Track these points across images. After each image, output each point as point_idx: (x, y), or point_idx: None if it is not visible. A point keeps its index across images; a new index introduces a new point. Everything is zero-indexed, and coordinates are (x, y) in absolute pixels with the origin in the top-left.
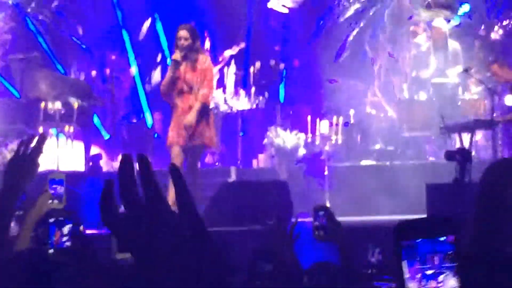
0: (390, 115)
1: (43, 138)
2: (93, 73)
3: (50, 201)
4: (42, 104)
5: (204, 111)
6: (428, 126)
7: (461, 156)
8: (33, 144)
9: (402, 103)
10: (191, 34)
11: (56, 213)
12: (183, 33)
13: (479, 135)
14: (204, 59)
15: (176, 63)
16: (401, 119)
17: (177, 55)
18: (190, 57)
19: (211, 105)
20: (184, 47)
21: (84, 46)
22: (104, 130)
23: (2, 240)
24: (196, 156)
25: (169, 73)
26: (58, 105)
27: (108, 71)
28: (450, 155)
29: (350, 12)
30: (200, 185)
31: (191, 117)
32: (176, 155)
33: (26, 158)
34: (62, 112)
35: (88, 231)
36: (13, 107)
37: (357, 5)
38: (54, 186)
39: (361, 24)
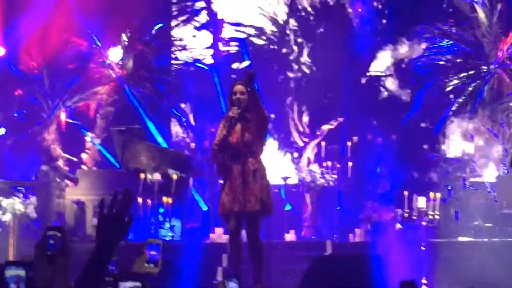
0: (489, 191)
1: (130, 195)
2: (192, 145)
3: (146, 264)
4: (142, 175)
5: (262, 174)
6: None
7: None
8: (122, 201)
9: (501, 179)
10: (248, 89)
11: None
12: (239, 87)
13: None
14: (263, 118)
15: (232, 121)
16: (500, 196)
17: (234, 112)
18: (247, 115)
19: (308, 179)
20: (240, 102)
21: (184, 119)
22: (203, 202)
23: None
24: (256, 223)
25: (222, 131)
26: (157, 176)
27: (207, 143)
28: None
29: (449, 87)
30: (296, 258)
31: (249, 181)
32: (232, 223)
33: (117, 216)
34: (161, 183)
35: None
36: (114, 178)
37: (455, 81)
38: (151, 250)
39: (461, 99)
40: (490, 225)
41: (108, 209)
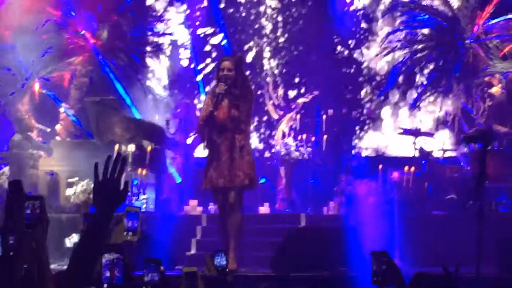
0: (463, 165)
1: (124, 159)
2: (167, 116)
3: (125, 233)
4: (116, 147)
5: (248, 150)
6: (499, 178)
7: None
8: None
9: (474, 154)
10: (235, 66)
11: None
12: (226, 64)
13: None
14: (249, 95)
15: (219, 96)
16: (473, 170)
17: (220, 88)
18: (234, 91)
19: (283, 152)
20: (227, 78)
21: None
22: (177, 173)
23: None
24: (240, 197)
25: (209, 107)
26: (131, 147)
27: (182, 114)
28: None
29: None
30: (269, 230)
31: (236, 156)
32: (220, 198)
33: (111, 182)
34: (136, 155)
35: None
36: (88, 149)
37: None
38: (129, 219)
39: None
40: (464, 199)
41: (102, 174)
